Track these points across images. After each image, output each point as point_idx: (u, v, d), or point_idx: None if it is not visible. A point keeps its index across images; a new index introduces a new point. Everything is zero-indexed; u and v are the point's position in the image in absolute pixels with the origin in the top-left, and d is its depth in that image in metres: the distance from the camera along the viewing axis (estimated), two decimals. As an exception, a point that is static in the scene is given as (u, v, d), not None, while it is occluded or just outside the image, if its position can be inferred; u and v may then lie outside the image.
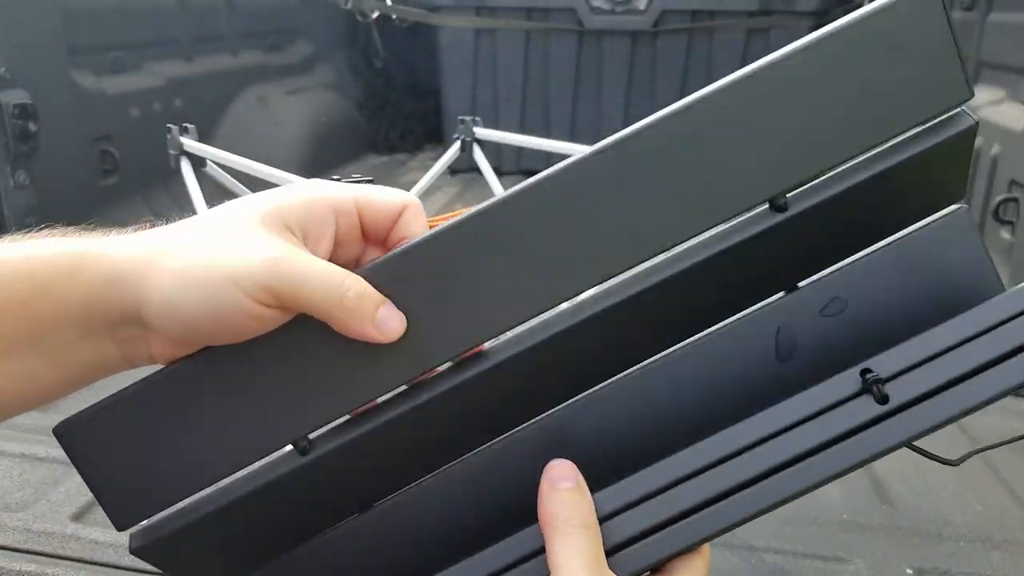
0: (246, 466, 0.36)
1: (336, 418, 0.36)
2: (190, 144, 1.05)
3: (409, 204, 0.38)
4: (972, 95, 0.34)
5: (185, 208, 2.08)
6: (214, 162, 1.05)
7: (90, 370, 0.35)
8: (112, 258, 0.34)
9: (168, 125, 1.06)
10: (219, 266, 0.32)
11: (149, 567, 0.91)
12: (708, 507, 0.35)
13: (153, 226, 0.37)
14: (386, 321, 0.34)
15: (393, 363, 0.34)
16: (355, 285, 0.33)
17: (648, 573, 0.36)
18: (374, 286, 0.34)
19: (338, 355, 0.34)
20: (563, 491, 0.34)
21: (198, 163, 1.06)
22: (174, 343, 0.35)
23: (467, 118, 1.28)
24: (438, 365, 0.35)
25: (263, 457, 0.36)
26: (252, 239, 0.33)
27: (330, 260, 0.35)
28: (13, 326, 0.33)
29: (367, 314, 0.33)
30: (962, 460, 0.39)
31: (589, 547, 0.33)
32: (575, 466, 0.35)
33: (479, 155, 1.27)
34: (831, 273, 0.37)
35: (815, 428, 0.36)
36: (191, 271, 0.32)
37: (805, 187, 0.34)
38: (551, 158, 2.85)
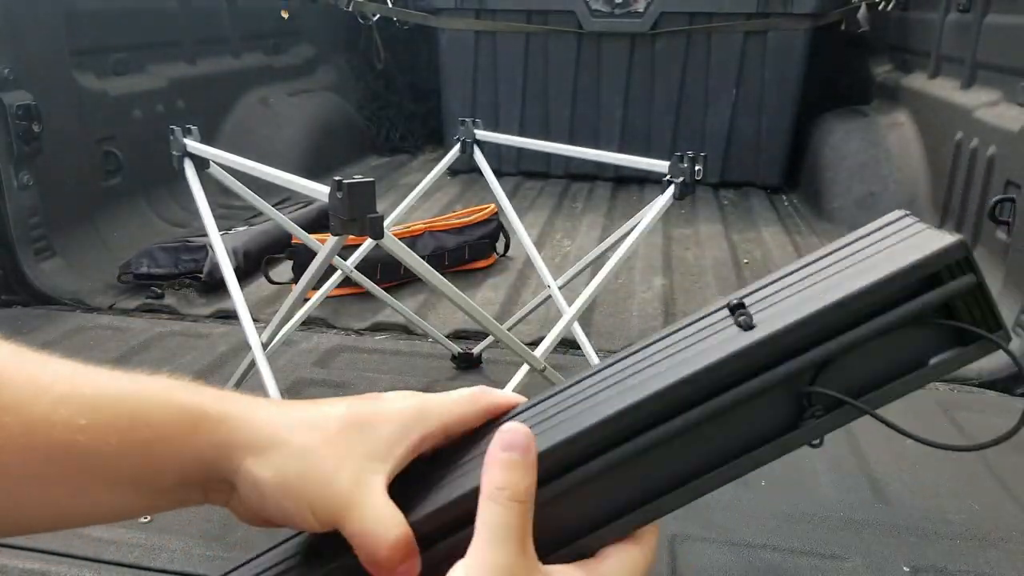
0: None
1: None
2: (193, 145, 1.06)
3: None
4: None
5: (187, 209, 2.09)
6: (217, 163, 1.05)
7: (168, 507, 0.39)
8: (227, 427, 0.38)
9: (171, 126, 1.07)
10: (305, 491, 0.37)
11: (154, 566, 0.91)
12: (627, 488, 0.36)
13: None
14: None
15: None
16: (398, 544, 0.36)
17: (579, 558, 0.37)
18: (419, 532, 0.37)
19: None
20: (507, 459, 0.35)
21: (201, 164, 1.06)
22: (251, 510, 0.39)
23: (467, 119, 1.29)
24: None
25: None
26: (340, 472, 0.37)
27: None
28: (127, 465, 0.36)
29: (392, 568, 0.36)
30: (820, 442, 0.39)
31: (515, 520, 0.33)
32: (531, 435, 0.35)
33: (479, 156, 1.28)
34: None
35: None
36: (284, 483, 0.37)
37: None
38: (551, 159, 2.87)
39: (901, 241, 0.37)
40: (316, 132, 2.71)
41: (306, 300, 1.19)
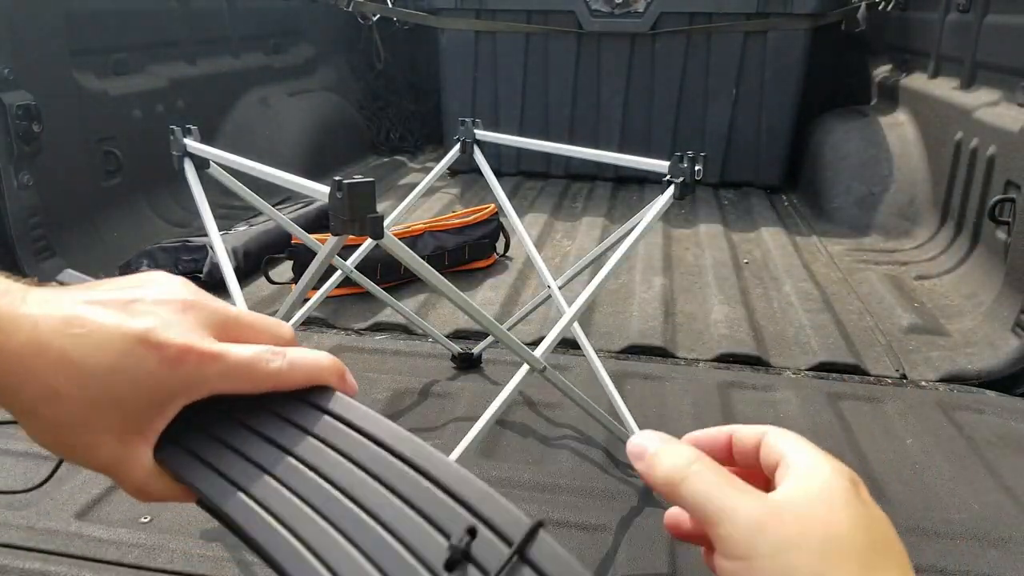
0: None
1: None
2: (193, 145, 1.06)
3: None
4: None
5: (188, 209, 2.09)
6: (217, 163, 1.05)
7: None
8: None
9: (171, 126, 1.07)
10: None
11: (154, 565, 0.91)
12: None
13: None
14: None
15: None
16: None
17: None
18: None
19: None
20: (660, 453, 0.37)
21: (201, 164, 1.06)
22: None
23: (467, 119, 1.28)
24: None
25: None
26: (100, 448, 0.36)
27: None
28: None
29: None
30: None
31: (715, 476, 0.35)
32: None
33: (479, 156, 1.28)
34: None
35: None
36: (106, 382, 0.35)
37: None
38: (551, 159, 2.88)
39: None
40: (316, 132, 2.71)
41: (306, 300, 1.19)
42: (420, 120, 3.26)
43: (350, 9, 2.80)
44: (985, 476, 1.11)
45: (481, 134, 1.27)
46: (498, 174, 1.56)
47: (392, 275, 1.69)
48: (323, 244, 0.85)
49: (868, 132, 2.37)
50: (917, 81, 2.31)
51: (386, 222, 0.74)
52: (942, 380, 1.40)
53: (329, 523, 0.33)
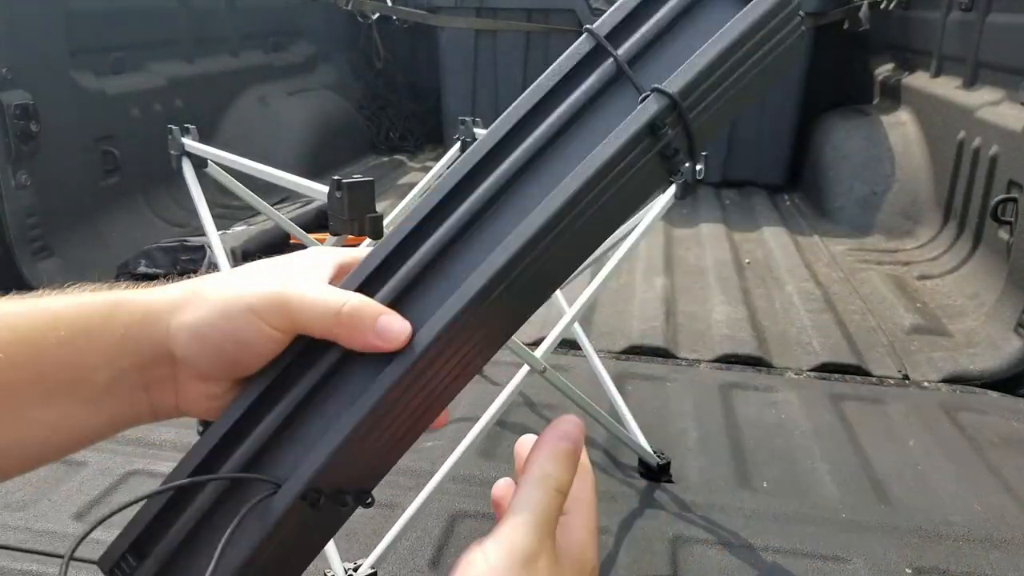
0: None
1: None
2: (191, 144, 1.05)
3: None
4: None
5: (186, 208, 2.08)
6: (215, 162, 1.05)
7: (120, 418, 0.37)
8: (145, 301, 0.37)
9: (169, 125, 1.06)
10: (239, 296, 0.36)
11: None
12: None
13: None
14: (387, 329, 0.35)
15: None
16: (351, 300, 0.35)
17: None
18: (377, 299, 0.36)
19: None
20: (561, 449, 0.35)
21: (199, 163, 1.06)
22: (201, 379, 0.37)
23: (467, 119, 1.28)
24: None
25: None
26: (267, 276, 0.37)
27: None
28: (53, 371, 0.35)
29: (366, 326, 0.35)
30: None
31: (553, 510, 0.33)
32: (583, 428, 0.36)
33: (479, 156, 1.28)
34: None
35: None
36: (216, 303, 0.36)
37: None
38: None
39: None
40: (315, 131, 2.70)
41: (305, 300, 1.18)
42: (420, 119, 3.25)
43: (349, 8, 2.79)
44: (987, 477, 1.10)
45: (481, 133, 1.27)
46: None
47: (392, 275, 1.69)
48: (322, 244, 0.85)
49: (870, 131, 2.36)
50: (919, 80, 2.31)
51: (386, 221, 0.73)
52: (944, 381, 1.40)
53: None
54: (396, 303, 0.37)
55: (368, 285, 0.37)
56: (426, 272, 0.37)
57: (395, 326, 0.35)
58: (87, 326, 0.36)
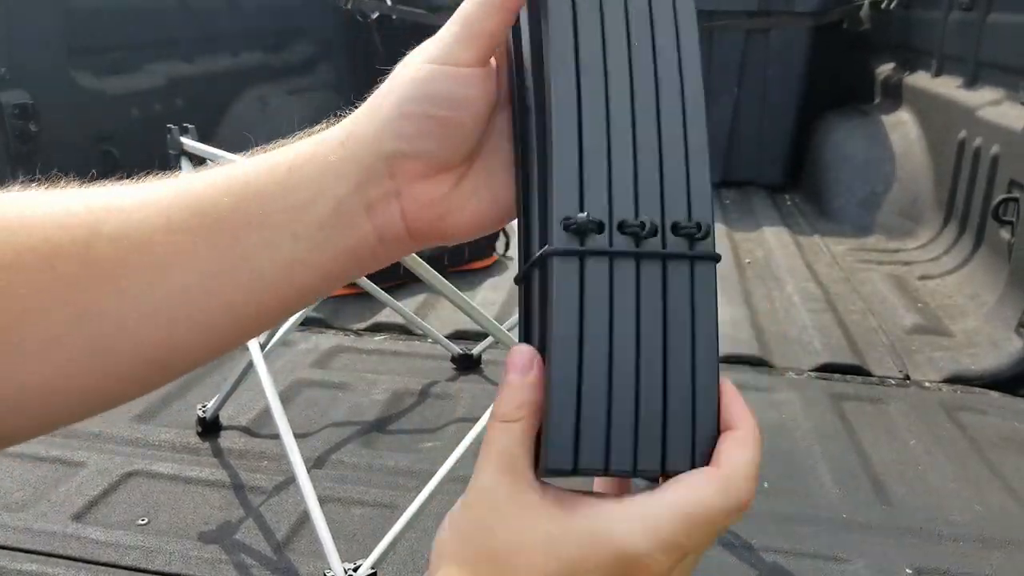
0: None
1: None
2: (190, 144, 1.05)
3: None
4: None
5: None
6: (214, 162, 1.05)
7: (345, 258, 0.36)
8: (340, 128, 0.40)
9: (168, 125, 1.06)
10: (416, 65, 0.40)
11: (152, 567, 0.91)
12: None
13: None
14: None
15: None
16: None
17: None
18: None
19: None
20: (505, 382, 0.33)
21: (198, 163, 1.06)
22: (422, 176, 0.37)
23: (467, 118, 1.28)
24: None
25: None
26: (414, 57, 0.42)
27: None
28: (277, 203, 0.35)
29: None
30: None
31: (497, 441, 0.32)
32: (534, 354, 0.33)
33: (479, 155, 1.28)
34: None
35: None
36: (400, 83, 0.39)
37: None
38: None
39: None
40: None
41: (305, 300, 1.18)
42: (420, 119, 3.25)
43: (349, 7, 2.79)
44: (988, 477, 1.10)
45: (481, 133, 1.27)
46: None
47: (392, 275, 1.68)
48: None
49: (871, 131, 2.36)
50: (920, 80, 2.31)
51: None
52: (945, 381, 1.40)
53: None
54: None
55: None
56: None
57: None
58: (315, 153, 0.37)
